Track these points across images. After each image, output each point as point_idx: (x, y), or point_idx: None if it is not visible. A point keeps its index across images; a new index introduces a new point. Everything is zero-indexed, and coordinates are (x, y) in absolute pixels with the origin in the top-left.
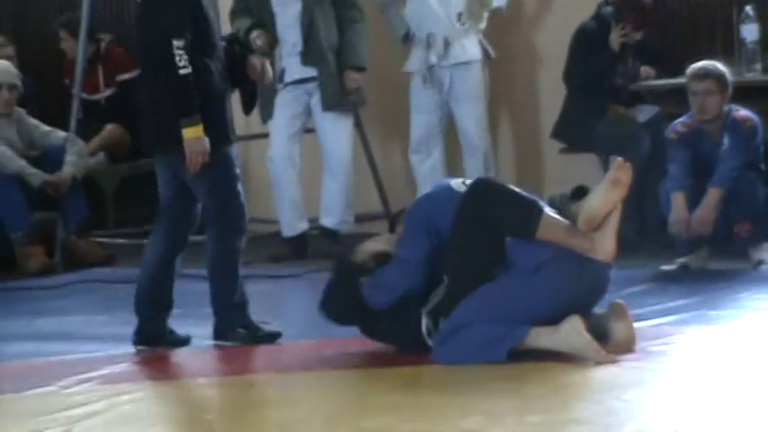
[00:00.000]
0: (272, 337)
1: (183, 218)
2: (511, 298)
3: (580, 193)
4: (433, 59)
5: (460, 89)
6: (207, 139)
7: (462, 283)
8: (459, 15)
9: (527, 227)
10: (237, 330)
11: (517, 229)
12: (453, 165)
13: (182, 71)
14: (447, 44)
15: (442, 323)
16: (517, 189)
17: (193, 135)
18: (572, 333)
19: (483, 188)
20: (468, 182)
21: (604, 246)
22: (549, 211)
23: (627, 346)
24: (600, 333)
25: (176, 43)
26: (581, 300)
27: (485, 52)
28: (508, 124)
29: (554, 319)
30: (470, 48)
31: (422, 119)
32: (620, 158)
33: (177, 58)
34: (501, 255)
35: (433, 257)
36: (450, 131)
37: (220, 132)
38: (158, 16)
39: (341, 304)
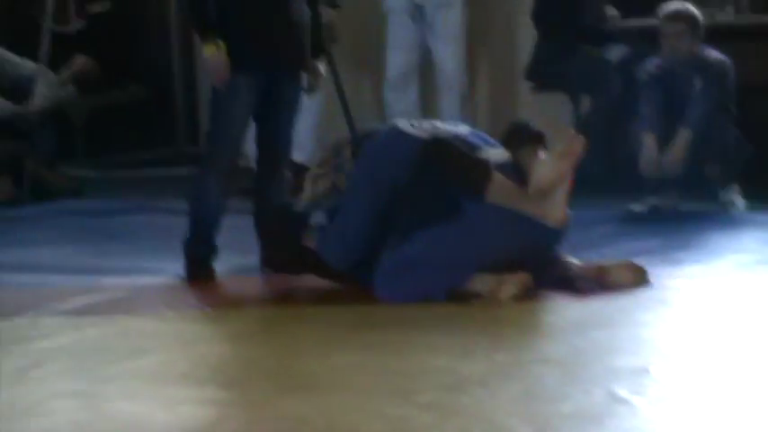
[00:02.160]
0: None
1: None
2: (458, 246)
3: (521, 131)
4: None
5: (442, 29)
6: (221, 55)
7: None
8: None
9: (477, 189)
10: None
11: (467, 191)
12: (428, 103)
13: None
14: None
15: (386, 258)
16: (467, 153)
17: (207, 53)
18: (491, 281)
19: (436, 151)
20: (416, 123)
21: (554, 213)
22: (498, 174)
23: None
24: (566, 277)
25: None
26: (524, 253)
27: None
28: (485, 63)
29: (498, 267)
30: None
31: (401, 57)
32: (571, 130)
33: None
34: (452, 208)
35: (382, 209)
36: (425, 70)
37: (236, 57)
38: None
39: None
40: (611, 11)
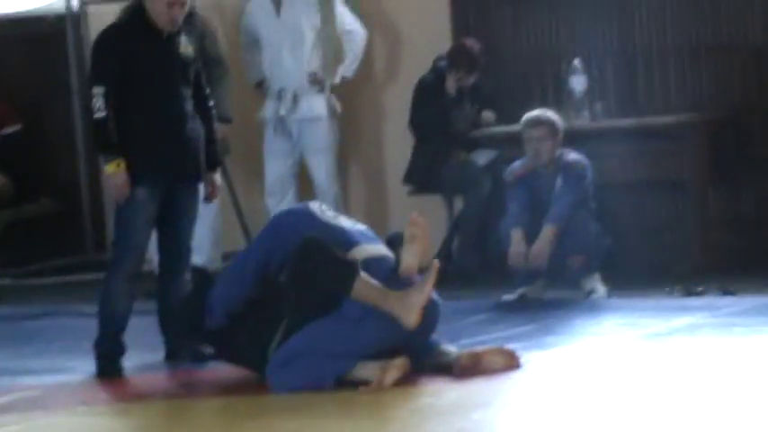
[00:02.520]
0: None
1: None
2: (339, 339)
3: (396, 239)
4: (283, 112)
5: (309, 142)
6: (122, 174)
7: (298, 325)
8: (313, 75)
9: (343, 288)
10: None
11: (335, 289)
12: None
13: (96, 114)
14: (296, 99)
15: (275, 351)
16: (338, 253)
17: (108, 171)
18: (374, 368)
19: (309, 249)
20: (325, 208)
21: (408, 319)
22: (364, 275)
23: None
24: (444, 363)
25: (95, 89)
26: (406, 338)
27: (331, 109)
28: (358, 173)
29: (379, 354)
30: (317, 105)
31: (274, 165)
32: (413, 214)
33: (94, 103)
34: (330, 304)
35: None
36: (303, 176)
37: (136, 172)
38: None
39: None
40: (488, 116)
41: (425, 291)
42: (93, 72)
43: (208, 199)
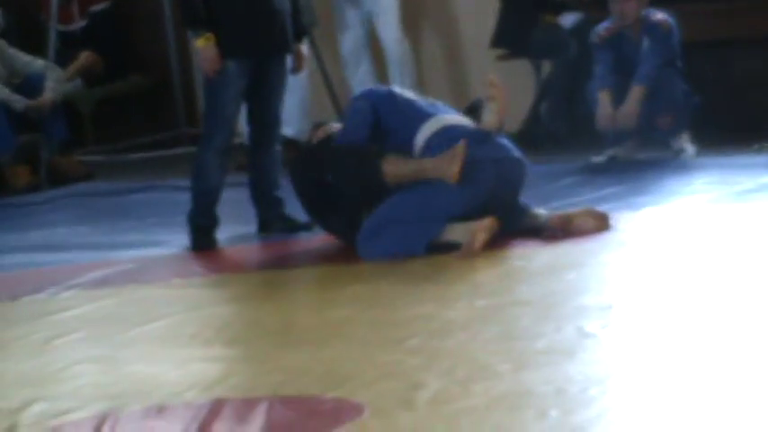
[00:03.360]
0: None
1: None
2: (425, 204)
3: (477, 104)
4: None
5: (376, 7)
6: (211, 47)
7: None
8: None
9: (374, 177)
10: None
11: (370, 181)
12: (382, 75)
13: None
14: None
15: (365, 221)
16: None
17: (199, 45)
18: (463, 230)
19: (337, 159)
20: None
21: (449, 172)
22: (390, 157)
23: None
24: (535, 225)
25: None
26: (492, 197)
27: None
28: (433, 38)
29: (468, 217)
30: None
31: (347, 36)
32: (490, 76)
33: None
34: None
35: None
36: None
37: (225, 46)
38: None
39: (305, 198)
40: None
41: (458, 149)
42: None
43: (295, 70)
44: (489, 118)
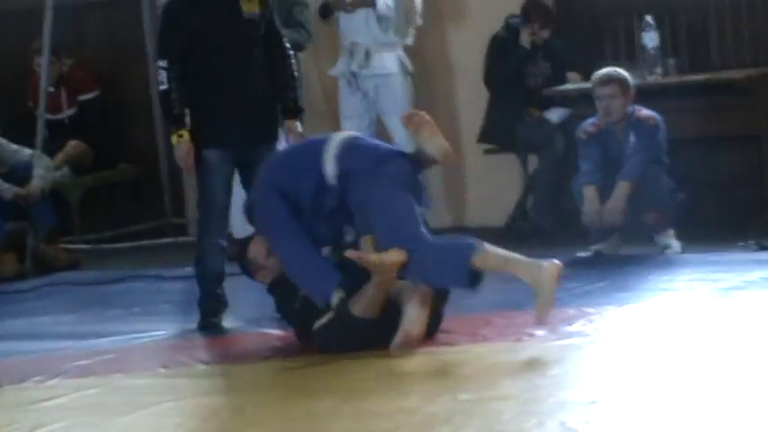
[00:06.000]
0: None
1: None
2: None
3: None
4: (355, 68)
5: (385, 101)
6: (184, 144)
7: None
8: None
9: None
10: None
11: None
12: None
13: (160, 87)
14: (368, 55)
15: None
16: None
17: (173, 143)
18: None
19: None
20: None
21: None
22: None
23: None
24: None
25: (159, 63)
26: None
27: (403, 67)
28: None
29: None
30: (388, 61)
31: (351, 124)
32: (402, 115)
33: (159, 76)
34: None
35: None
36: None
37: (203, 136)
38: None
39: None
40: (574, 75)
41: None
42: (157, 45)
43: None
44: (432, 149)
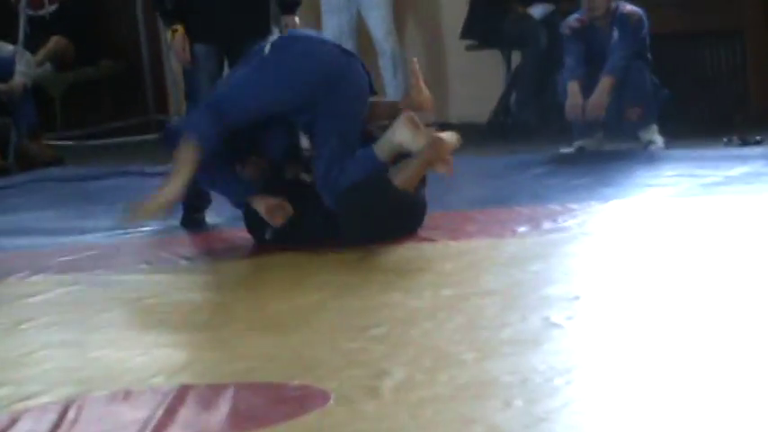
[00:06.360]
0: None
1: None
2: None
3: None
4: None
5: None
6: (178, 38)
7: None
8: None
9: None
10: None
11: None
12: (370, 63)
13: None
14: None
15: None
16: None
17: (169, 38)
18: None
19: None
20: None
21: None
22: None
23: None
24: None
25: None
26: None
27: None
28: (414, 28)
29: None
30: None
31: (331, 19)
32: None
33: None
34: None
35: None
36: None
37: (192, 31)
38: None
39: None
40: None
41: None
42: None
43: None
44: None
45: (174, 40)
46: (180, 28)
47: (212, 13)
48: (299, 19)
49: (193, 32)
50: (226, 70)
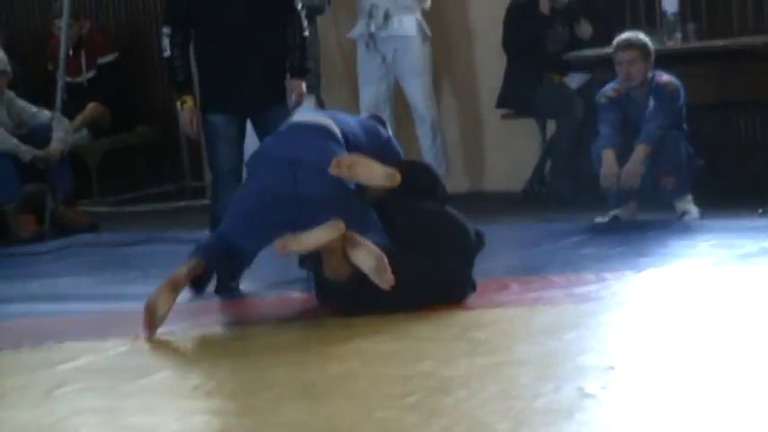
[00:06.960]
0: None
1: None
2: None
3: None
4: (373, 29)
5: (403, 63)
6: (186, 111)
7: None
8: None
9: None
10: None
11: None
12: (407, 131)
13: (163, 54)
14: (387, 16)
15: None
16: None
17: (179, 109)
18: None
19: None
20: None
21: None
22: None
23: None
24: None
25: (163, 30)
26: None
27: (422, 31)
28: (451, 97)
29: None
30: (407, 23)
31: (369, 87)
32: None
33: (162, 43)
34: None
35: None
36: (400, 98)
37: (207, 102)
38: None
39: None
40: (586, 27)
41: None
42: (165, 12)
43: (295, 106)
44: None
45: (182, 111)
46: (189, 100)
47: (226, 86)
48: (336, 88)
49: (209, 104)
50: (249, 131)
